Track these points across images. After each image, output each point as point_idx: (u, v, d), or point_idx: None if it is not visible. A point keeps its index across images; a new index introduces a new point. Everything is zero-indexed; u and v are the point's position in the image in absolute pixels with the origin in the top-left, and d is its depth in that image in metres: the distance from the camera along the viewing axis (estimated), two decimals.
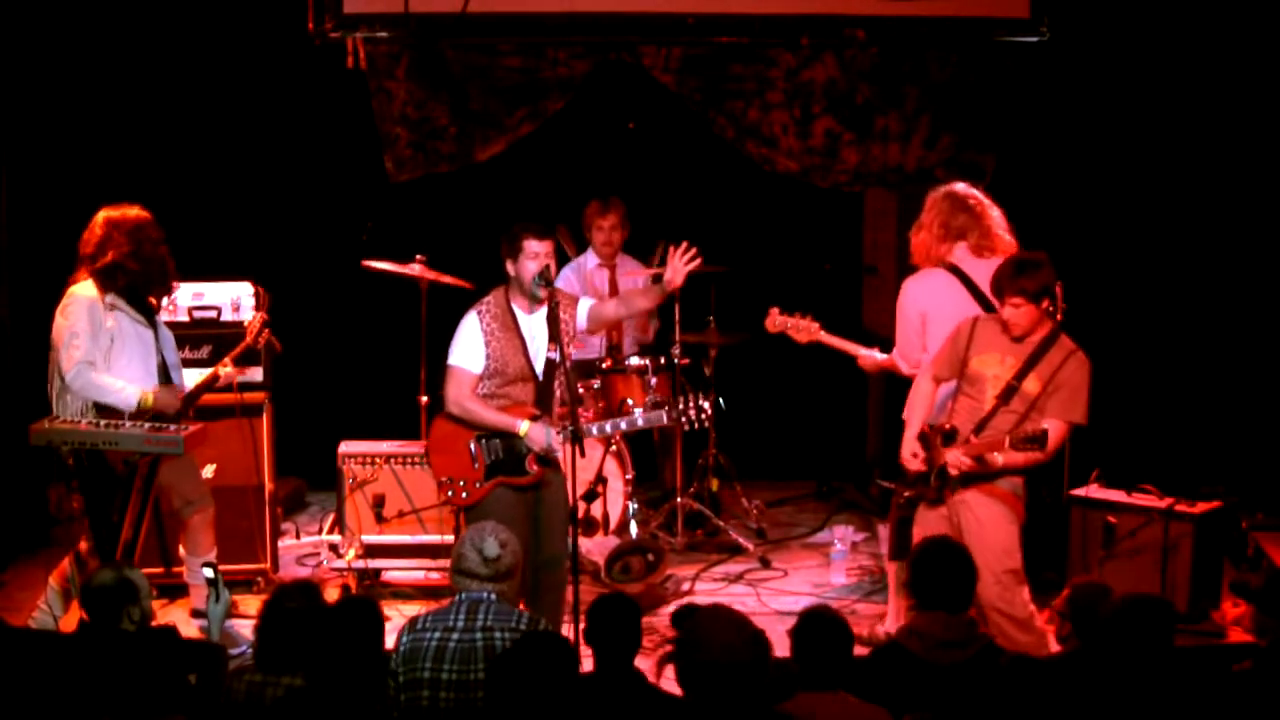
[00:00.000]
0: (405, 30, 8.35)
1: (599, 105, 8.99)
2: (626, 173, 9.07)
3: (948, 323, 6.52)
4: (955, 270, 6.71)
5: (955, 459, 6.17)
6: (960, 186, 6.82)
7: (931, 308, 6.67)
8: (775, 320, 7.09)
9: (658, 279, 6.62)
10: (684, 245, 6.44)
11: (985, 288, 6.52)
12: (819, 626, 4.76)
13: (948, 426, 6.26)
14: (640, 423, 6.73)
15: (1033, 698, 4.57)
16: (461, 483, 6.44)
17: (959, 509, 6.26)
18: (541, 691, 4.31)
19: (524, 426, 6.34)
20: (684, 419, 6.72)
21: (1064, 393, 6.15)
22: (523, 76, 8.53)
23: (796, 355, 7.36)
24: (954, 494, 6.26)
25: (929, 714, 4.75)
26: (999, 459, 6.12)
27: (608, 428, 6.83)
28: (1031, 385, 6.17)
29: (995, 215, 6.78)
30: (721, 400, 8.51)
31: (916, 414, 6.44)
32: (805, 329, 7.05)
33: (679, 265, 6.42)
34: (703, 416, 6.72)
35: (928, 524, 6.32)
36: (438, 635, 5.05)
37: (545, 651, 4.42)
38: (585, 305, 6.58)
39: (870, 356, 7.03)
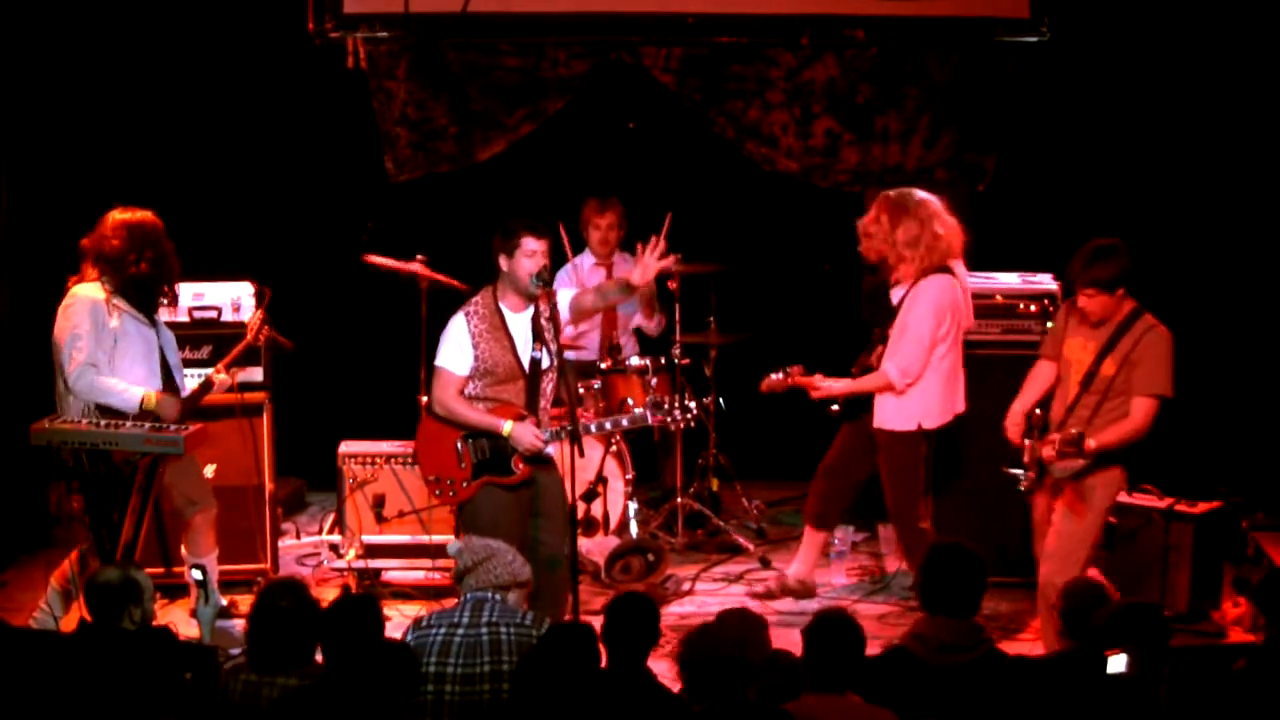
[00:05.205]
0: (405, 30, 8.36)
1: (599, 105, 8.99)
2: (626, 173, 9.07)
3: (965, 321, 6.91)
4: (949, 271, 6.92)
5: (1048, 456, 6.30)
6: (921, 193, 6.97)
7: (960, 306, 6.92)
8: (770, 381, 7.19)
9: (626, 288, 6.60)
10: (653, 241, 6.46)
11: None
12: (832, 629, 4.77)
13: (1041, 416, 6.41)
14: (624, 423, 6.77)
15: (1030, 698, 4.58)
16: (449, 481, 6.45)
17: (1053, 493, 6.47)
18: (569, 680, 4.39)
19: (508, 426, 6.34)
20: (669, 419, 6.71)
21: (1143, 368, 6.27)
22: (523, 76, 8.54)
23: (796, 355, 7.35)
24: (1048, 481, 6.43)
25: (934, 718, 4.76)
26: (1091, 444, 6.23)
27: (593, 428, 6.90)
28: (1108, 368, 6.31)
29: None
30: (721, 400, 8.51)
31: (1028, 392, 6.57)
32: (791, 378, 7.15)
33: (649, 262, 6.45)
34: (689, 416, 6.74)
35: (1036, 508, 6.58)
36: (443, 630, 5.11)
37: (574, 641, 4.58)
38: (565, 296, 6.57)
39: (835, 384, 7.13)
